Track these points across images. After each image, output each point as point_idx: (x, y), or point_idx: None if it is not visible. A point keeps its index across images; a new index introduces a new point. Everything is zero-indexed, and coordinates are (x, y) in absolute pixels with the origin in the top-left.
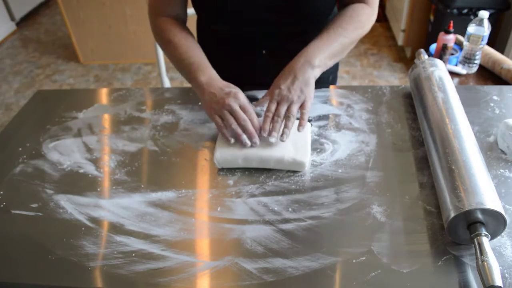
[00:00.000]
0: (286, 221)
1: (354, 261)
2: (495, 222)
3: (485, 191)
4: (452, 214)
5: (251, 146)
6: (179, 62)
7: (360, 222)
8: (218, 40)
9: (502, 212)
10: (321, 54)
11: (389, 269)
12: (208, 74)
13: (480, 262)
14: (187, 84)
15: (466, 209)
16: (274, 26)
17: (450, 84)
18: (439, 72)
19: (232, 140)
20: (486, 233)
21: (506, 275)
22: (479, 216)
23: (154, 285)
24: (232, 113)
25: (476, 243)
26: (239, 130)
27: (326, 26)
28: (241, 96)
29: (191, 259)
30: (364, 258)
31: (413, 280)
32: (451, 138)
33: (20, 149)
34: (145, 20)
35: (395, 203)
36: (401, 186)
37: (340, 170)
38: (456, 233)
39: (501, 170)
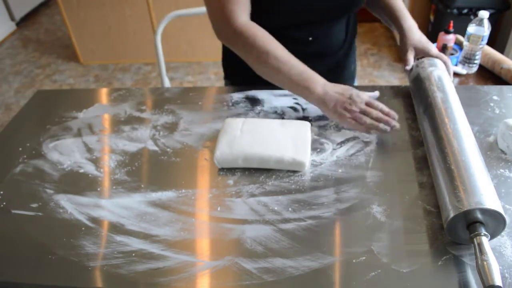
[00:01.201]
0: (286, 221)
1: (354, 261)
2: (495, 222)
3: (485, 191)
4: (452, 214)
5: (391, 129)
6: (280, 74)
7: (360, 222)
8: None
9: (502, 212)
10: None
11: (389, 269)
12: (321, 82)
13: (479, 262)
14: (187, 84)
15: (466, 209)
16: (323, 14)
17: (449, 84)
18: (438, 72)
19: (373, 132)
20: (486, 233)
21: (506, 275)
22: (479, 216)
23: (154, 285)
24: (363, 111)
25: (476, 243)
26: (375, 122)
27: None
28: (360, 92)
29: (191, 259)
30: (364, 258)
31: (413, 280)
32: (451, 137)
33: (20, 149)
34: (145, 20)
35: (395, 203)
36: (400, 186)
37: (340, 170)
38: (456, 233)
39: (501, 170)
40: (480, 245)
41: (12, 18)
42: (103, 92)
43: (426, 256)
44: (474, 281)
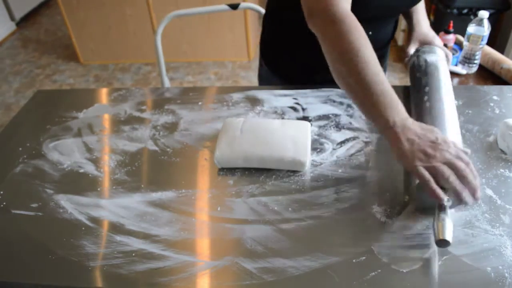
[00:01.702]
0: (286, 221)
1: (354, 261)
2: None
3: None
4: None
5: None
6: (359, 82)
7: (360, 222)
8: (289, 29)
9: None
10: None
11: (389, 269)
12: (402, 113)
13: (436, 219)
14: (187, 84)
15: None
16: (389, 10)
17: (444, 70)
18: (434, 57)
19: (446, 200)
20: (449, 198)
21: (506, 274)
22: None
23: (154, 285)
24: (447, 164)
25: (437, 204)
26: (460, 186)
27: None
28: (449, 140)
29: (191, 259)
30: (364, 258)
31: (413, 280)
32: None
33: (20, 149)
34: (145, 20)
35: (395, 203)
36: (400, 186)
37: (340, 170)
38: (423, 194)
39: (501, 170)
40: (441, 205)
41: (12, 18)
42: (103, 92)
43: (426, 256)
44: (474, 281)
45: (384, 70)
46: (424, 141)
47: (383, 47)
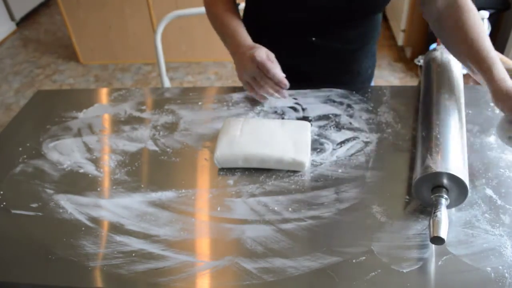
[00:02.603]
0: (286, 221)
1: (354, 261)
2: (458, 189)
3: (454, 159)
4: (419, 176)
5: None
6: (220, 35)
7: (360, 222)
8: (266, 29)
9: (461, 177)
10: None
11: (389, 269)
12: (237, 41)
13: (431, 217)
14: (187, 84)
15: (433, 171)
16: (325, 13)
17: (457, 69)
18: (448, 56)
19: (268, 98)
20: (447, 197)
21: (506, 275)
22: (444, 180)
23: (154, 285)
24: (259, 66)
25: (434, 201)
26: (269, 90)
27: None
28: (263, 50)
29: (191, 259)
30: (364, 258)
31: (413, 280)
32: (435, 111)
33: (20, 149)
34: (145, 20)
35: (395, 203)
36: (401, 186)
37: (340, 170)
38: (421, 193)
39: (501, 170)
40: (437, 204)
41: (12, 18)
42: (103, 92)
43: (426, 256)
44: (474, 281)
45: (371, 75)
46: (245, 56)
47: (350, 54)
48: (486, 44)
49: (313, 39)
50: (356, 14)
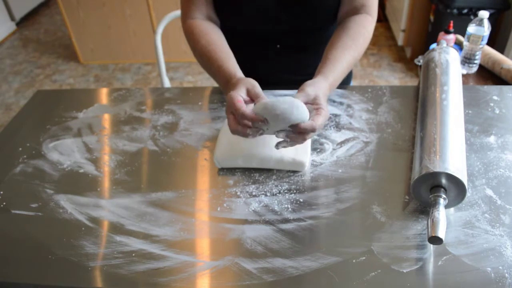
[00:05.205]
0: (286, 221)
1: (354, 261)
2: (456, 189)
3: (451, 159)
4: (416, 176)
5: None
6: (208, 68)
7: (360, 222)
8: (233, 38)
9: (459, 176)
10: (335, 72)
11: (389, 269)
12: (223, 80)
13: (430, 217)
14: (187, 84)
15: (431, 171)
16: (287, 23)
17: (455, 69)
18: (446, 56)
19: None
20: (445, 196)
21: (506, 275)
22: (442, 180)
23: (154, 285)
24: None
25: (432, 201)
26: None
27: (335, 41)
28: (241, 88)
29: (191, 259)
30: (364, 258)
31: (413, 280)
32: (437, 111)
33: (20, 149)
34: (145, 20)
35: (395, 203)
36: (401, 186)
37: (340, 170)
38: (420, 193)
39: (501, 170)
40: (435, 204)
41: (12, 18)
42: (103, 92)
43: (426, 256)
44: (474, 281)
45: (349, 76)
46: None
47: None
48: (339, 56)
49: (278, 46)
50: (312, 22)
